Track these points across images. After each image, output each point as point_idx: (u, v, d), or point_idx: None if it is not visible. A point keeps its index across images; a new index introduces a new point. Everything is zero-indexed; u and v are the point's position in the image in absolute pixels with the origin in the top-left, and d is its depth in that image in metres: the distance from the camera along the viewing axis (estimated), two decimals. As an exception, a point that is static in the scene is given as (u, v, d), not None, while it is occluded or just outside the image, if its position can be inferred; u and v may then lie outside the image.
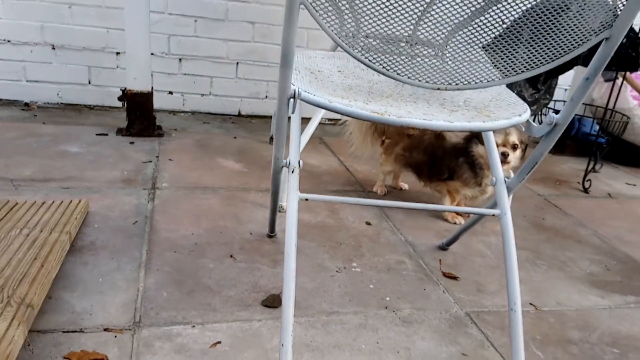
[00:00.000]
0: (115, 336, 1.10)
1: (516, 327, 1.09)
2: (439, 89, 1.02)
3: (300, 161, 1.19)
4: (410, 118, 1.02)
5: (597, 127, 2.50)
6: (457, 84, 1.03)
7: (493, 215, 1.24)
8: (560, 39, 0.97)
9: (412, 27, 1.03)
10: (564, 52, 0.98)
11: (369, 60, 1.01)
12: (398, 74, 1.01)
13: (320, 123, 2.94)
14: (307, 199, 1.19)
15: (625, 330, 1.34)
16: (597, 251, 1.77)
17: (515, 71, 1.01)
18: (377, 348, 1.16)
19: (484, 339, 1.23)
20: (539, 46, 0.98)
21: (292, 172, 1.16)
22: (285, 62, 0.95)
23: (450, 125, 1.03)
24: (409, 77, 1.01)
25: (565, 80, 3.10)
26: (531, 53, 1.00)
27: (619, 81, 2.53)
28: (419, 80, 1.02)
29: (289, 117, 1.11)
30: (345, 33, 0.98)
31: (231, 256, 1.45)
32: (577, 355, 1.22)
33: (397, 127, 1.94)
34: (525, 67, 1.00)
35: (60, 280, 1.25)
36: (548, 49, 0.98)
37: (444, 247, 1.64)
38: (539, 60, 1.00)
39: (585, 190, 2.34)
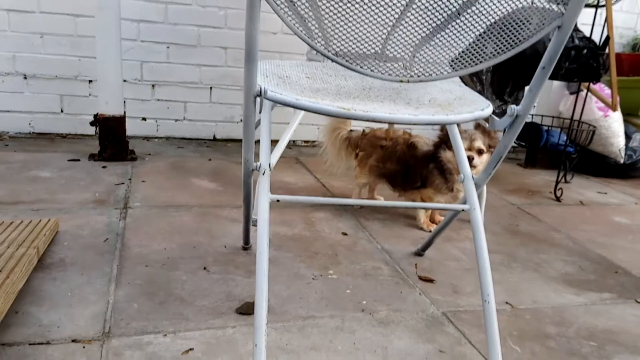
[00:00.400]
0: (84, 347, 1.06)
1: (491, 319, 1.09)
2: (401, 81, 1.05)
3: (271, 163, 1.20)
4: (376, 112, 1.04)
5: (564, 137, 2.57)
6: (419, 77, 1.05)
7: (462, 210, 1.25)
8: (515, 29, 1.00)
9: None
10: (519, 41, 1.01)
11: (337, 59, 1.03)
12: (361, 67, 1.03)
13: (296, 145, 2.96)
14: (278, 200, 1.19)
15: (601, 324, 1.34)
16: (570, 253, 1.79)
17: (474, 62, 1.04)
18: (354, 348, 1.14)
19: (461, 336, 1.23)
20: (497, 38, 1.02)
21: (263, 174, 1.16)
22: (249, 57, 0.97)
23: (414, 119, 1.05)
24: (371, 71, 1.03)
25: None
26: (494, 42, 1.03)
27: (583, 93, 2.62)
28: (382, 74, 1.04)
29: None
30: (314, 38, 1.00)
31: (204, 268, 1.43)
32: (554, 348, 1.22)
33: (370, 139, 1.97)
34: (484, 57, 1.04)
35: (27, 296, 1.21)
36: (505, 39, 1.01)
37: (419, 253, 1.64)
38: (500, 49, 1.03)
39: (558, 199, 2.38)
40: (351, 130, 2.03)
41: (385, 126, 2.10)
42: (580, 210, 2.27)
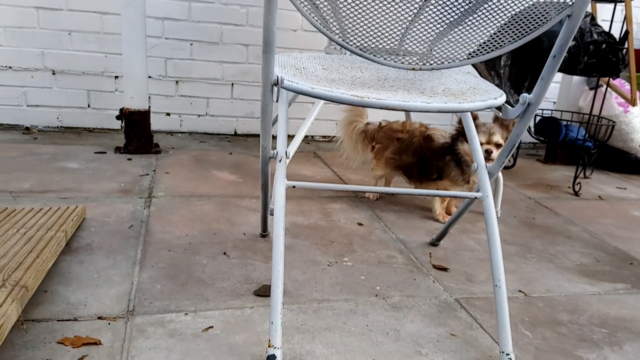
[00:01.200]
0: (109, 323, 1.12)
1: (501, 303, 1.11)
2: (413, 69, 1.08)
3: (288, 152, 1.24)
4: (389, 100, 1.07)
5: (583, 132, 2.56)
6: (430, 64, 1.08)
7: (476, 198, 1.27)
8: (526, 18, 1.02)
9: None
10: (531, 30, 1.03)
11: (356, 50, 1.07)
12: (375, 55, 1.06)
13: (314, 140, 3.01)
14: (294, 186, 1.24)
15: (613, 313, 1.35)
16: (586, 245, 1.79)
17: (487, 50, 1.07)
18: (367, 330, 1.17)
19: (473, 321, 1.25)
20: (507, 26, 1.04)
21: (280, 161, 1.21)
22: (267, 47, 1.01)
23: (427, 106, 1.08)
24: (384, 59, 1.07)
25: (553, 89, 3.18)
26: (498, 35, 1.06)
27: (603, 89, 2.60)
28: (395, 62, 1.07)
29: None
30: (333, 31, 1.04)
31: (224, 253, 1.48)
32: (565, 334, 1.23)
33: (387, 131, 2.00)
34: (497, 46, 1.06)
35: (55, 276, 1.28)
36: (513, 30, 1.04)
37: (434, 243, 1.67)
38: (512, 38, 1.06)
39: (576, 193, 2.37)
40: (368, 124, 2.06)
41: (402, 119, 2.13)
42: (599, 205, 2.27)
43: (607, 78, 2.48)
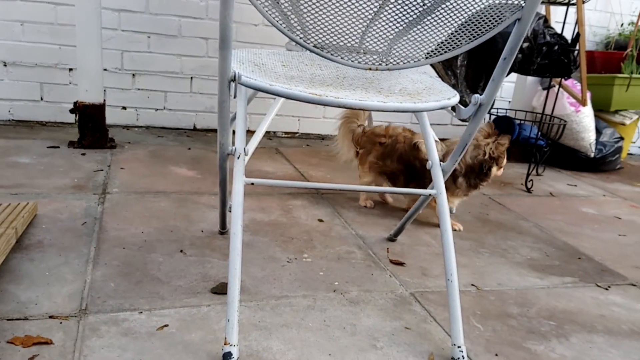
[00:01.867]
0: (61, 322, 1.09)
1: (453, 296, 1.14)
2: (370, 69, 1.09)
3: (247, 149, 1.24)
4: (347, 99, 1.08)
5: (536, 131, 2.65)
6: (390, 63, 1.10)
7: (430, 195, 1.30)
8: (482, 19, 1.05)
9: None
10: (486, 30, 1.06)
11: (316, 50, 1.07)
12: (332, 55, 1.07)
13: (277, 136, 3.00)
14: (252, 183, 1.24)
15: (561, 306, 1.41)
16: (537, 240, 1.86)
17: (444, 50, 1.10)
18: (325, 325, 1.19)
19: (427, 314, 1.28)
20: (464, 26, 1.07)
21: (238, 157, 1.20)
22: (223, 43, 1.00)
23: (383, 105, 1.10)
24: (342, 58, 1.08)
25: (508, 89, 3.28)
26: (454, 35, 1.08)
27: (555, 89, 2.70)
28: (352, 61, 1.09)
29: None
30: (293, 30, 1.04)
31: (181, 251, 1.47)
32: (515, 327, 1.28)
33: (369, 136, 1.99)
34: (452, 46, 1.09)
35: (5, 275, 1.24)
36: (469, 30, 1.07)
37: (392, 239, 1.69)
38: (460, 42, 1.08)
39: (528, 190, 2.45)
40: (360, 125, 2.03)
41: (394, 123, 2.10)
42: (550, 201, 2.35)
43: (559, 79, 2.57)
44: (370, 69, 1.10)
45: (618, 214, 2.27)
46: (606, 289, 1.54)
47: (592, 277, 1.61)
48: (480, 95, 1.15)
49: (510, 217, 2.07)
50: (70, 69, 2.62)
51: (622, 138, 3.06)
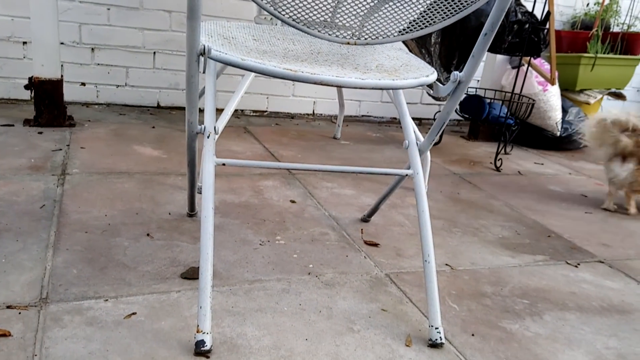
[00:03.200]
0: (20, 313, 1.02)
1: (430, 277, 1.13)
2: (348, 43, 1.05)
3: (217, 127, 1.18)
4: (323, 75, 1.03)
5: (505, 110, 2.66)
6: (365, 39, 1.05)
7: (406, 175, 1.28)
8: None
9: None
10: (461, 8, 1.03)
11: (288, 20, 1.02)
12: (308, 27, 1.02)
13: (245, 115, 2.92)
14: (223, 164, 1.18)
15: (534, 284, 1.42)
16: (507, 219, 1.87)
17: (420, 27, 1.06)
18: (300, 309, 1.16)
19: (403, 295, 1.27)
20: (437, 4, 1.03)
21: (208, 137, 1.14)
22: (192, 14, 0.94)
23: (361, 82, 1.06)
24: (318, 31, 1.02)
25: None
26: (430, 10, 1.04)
27: (524, 68, 2.70)
28: (329, 35, 1.04)
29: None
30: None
31: (148, 235, 1.40)
32: (490, 306, 1.28)
33: None
34: (429, 22, 1.05)
35: (-45, 263, 1.15)
36: (446, 6, 1.03)
37: (365, 219, 1.67)
38: (445, 15, 1.04)
39: (497, 169, 2.47)
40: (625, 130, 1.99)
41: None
42: (518, 180, 2.37)
43: (529, 57, 2.58)
44: (348, 43, 1.05)
45: (584, 192, 2.31)
46: (576, 267, 1.56)
47: (562, 255, 1.63)
48: (460, 73, 1.12)
49: (481, 196, 2.07)
50: (25, 42, 2.47)
51: (587, 117, 3.11)
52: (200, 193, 1.66)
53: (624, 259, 1.65)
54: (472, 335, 1.15)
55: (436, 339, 1.09)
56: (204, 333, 0.97)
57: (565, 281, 1.46)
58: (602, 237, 1.81)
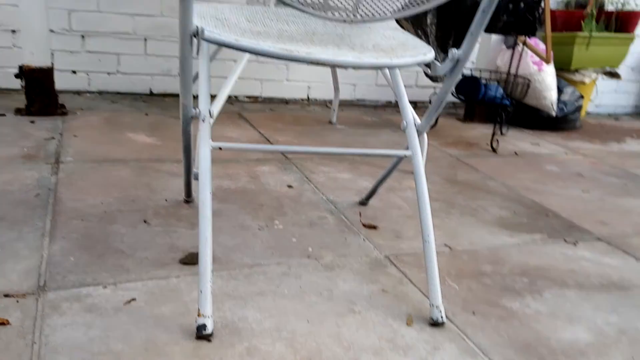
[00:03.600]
0: (17, 301, 1.01)
1: (430, 257, 1.12)
2: (344, 21, 1.03)
3: (212, 111, 1.16)
4: (320, 55, 1.02)
5: (501, 91, 2.64)
6: (361, 17, 1.04)
7: (405, 156, 1.27)
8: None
9: None
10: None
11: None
12: (303, 5, 1.00)
13: (239, 100, 2.90)
14: (220, 148, 1.17)
15: (533, 262, 1.42)
16: (505, 199, 1.87)
17: (414, 4, 1.04)
18: (301, 292, 1.15)
19: (403, 276, 1.26)
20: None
21: (203, 120, 1.13)
22: (184, -7, 0.91)
23: (359, 62, 1.04)
24: (314, 10, 1.01)
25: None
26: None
27: (520, 48, 2.69)
28: (325, 14, 1.02)
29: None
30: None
31: (145, 221, 1.39)
32: (489, 285, 1.28)
33: None
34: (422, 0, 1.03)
35: (-49, 253, 1.14)
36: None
37: (363, 202, 1.66)
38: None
39: (494, 150, 2.47)
40: None
41: None
42: (515, 160, 2.37)
43: (524, 37, 2.56)
44: (344, 21, 1.03)
45: (580, 171, 2.31)
46: (574, 244, 1.56)
47: (560, 233, 1.63)
48: (458, 51, 1.11)
49: (478, 177, 2.07)
50: (13, 31, 2.43)
51: (582, 97, 3.11)
52: (197, 179, 1.65)
53: (622, 236, 1.65)
54: (473, 313, 1.15)
55: (437, 318, 1.09)
56: (205, 317, 0.97)
57: (564, 259, 1.46)
58: (600, 215, 1.82)
